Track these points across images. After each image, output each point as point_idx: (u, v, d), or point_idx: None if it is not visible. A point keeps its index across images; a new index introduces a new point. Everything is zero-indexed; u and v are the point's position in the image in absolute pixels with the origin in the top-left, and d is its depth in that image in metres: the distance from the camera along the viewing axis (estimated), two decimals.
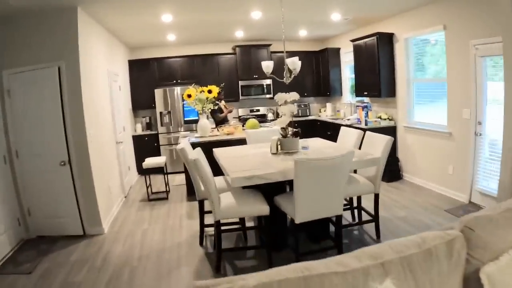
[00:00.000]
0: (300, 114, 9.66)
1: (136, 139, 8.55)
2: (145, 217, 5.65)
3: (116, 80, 7.15)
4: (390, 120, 7.13)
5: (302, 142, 4.43)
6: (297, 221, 3.35)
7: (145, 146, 8.54)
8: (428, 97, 6.56)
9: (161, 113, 8.47)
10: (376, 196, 4.32)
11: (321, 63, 9.46)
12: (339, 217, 3.61)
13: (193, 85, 6.49)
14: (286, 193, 3.89)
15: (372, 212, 4.41)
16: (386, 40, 6.94)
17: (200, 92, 6.23)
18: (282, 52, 9.41)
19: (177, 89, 8.51)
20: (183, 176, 7.25)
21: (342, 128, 5.36)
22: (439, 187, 6.08)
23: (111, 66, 6.81)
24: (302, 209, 3.32)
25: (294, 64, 4.38)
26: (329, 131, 8.49)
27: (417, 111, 6.72)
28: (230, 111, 7.59)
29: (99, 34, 6.04)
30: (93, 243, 4.72)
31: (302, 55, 9.14)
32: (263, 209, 3.60)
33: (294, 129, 4.35)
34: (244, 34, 8.24)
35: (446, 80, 5.78)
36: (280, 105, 4.31)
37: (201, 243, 4.44)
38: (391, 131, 7.02)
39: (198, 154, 3.79)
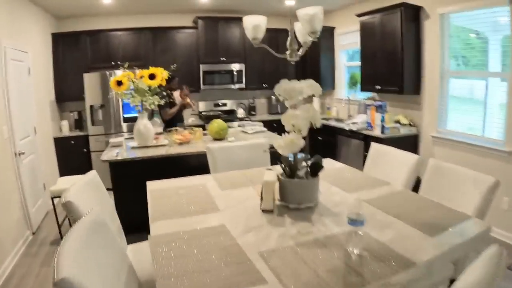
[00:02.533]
0: (279, 111, 7.54)
1: (60, 143, 6.18)
2: (50, 279, 3.39)
3: (22, 60, 4.82)
4: (411, 126, 5.15)
5: (351, 205, 2.21)
6: None
7: (71, 152, 6.19)
8: (466, 98, 4.67)
9: (92, 107, 6.11)
10: None
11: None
12: None
13: (125, 65, 4.22)
14: None
15: None
16: (412, 15, 4.97)
17: (139, 78, 4.01)
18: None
19: (117, 74, 6.14)
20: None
21: (375, 146, 3.25)
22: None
23: (12, 38, 4.50)
24: None
25: (313, 25, 2.23)
26: (321, 135, 6.43)
27: (451, 116, 4.76)
28: (187, 106, 5.46)
29: None
30: None
31: (285, 34, 7.09)
32: None
33: (309, 157, 2.19)
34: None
35: (508, 75, 3.92)
36: (288, 107, 2.15)
37: None
38: (411, 141, 5.15)
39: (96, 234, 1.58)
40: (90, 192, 2.24)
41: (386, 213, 2.07)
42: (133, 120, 6.08)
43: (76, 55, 6.36)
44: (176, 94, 5.39)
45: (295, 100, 2.04)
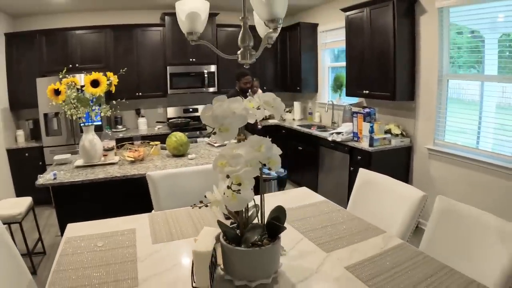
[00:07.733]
0: None
1: (14, 155, 5.51)
2: None
3: None
4: (404, 136, 4.55)
5: None
6: None
7: (26, 166, 5.48)
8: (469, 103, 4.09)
9: (46, 115, 5.43)
10: None
11: (288, 45, 6.70)
12: None
13: (63, 71, 3.54)
14: None
15: None
16: (405, 9, 4.36)
17: (80, 88, 3.37)
18: (234, 26, 6.31)
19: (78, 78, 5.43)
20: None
21: (363, 173, 2.59)
22: None
23: None
24: None
25: (272, 7, 1.65)
26: (300, 145, 5.81)
27: (451, 125, 4.16)
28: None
29: None
30: None
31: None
32: None
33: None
34: None
35: None
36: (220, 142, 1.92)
37: None
38: (403, 154, 4.59)
39: None
40: None
41: None
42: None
43: (32, 57, 5.69)
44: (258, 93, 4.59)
45: (231, 132, 1.39)
